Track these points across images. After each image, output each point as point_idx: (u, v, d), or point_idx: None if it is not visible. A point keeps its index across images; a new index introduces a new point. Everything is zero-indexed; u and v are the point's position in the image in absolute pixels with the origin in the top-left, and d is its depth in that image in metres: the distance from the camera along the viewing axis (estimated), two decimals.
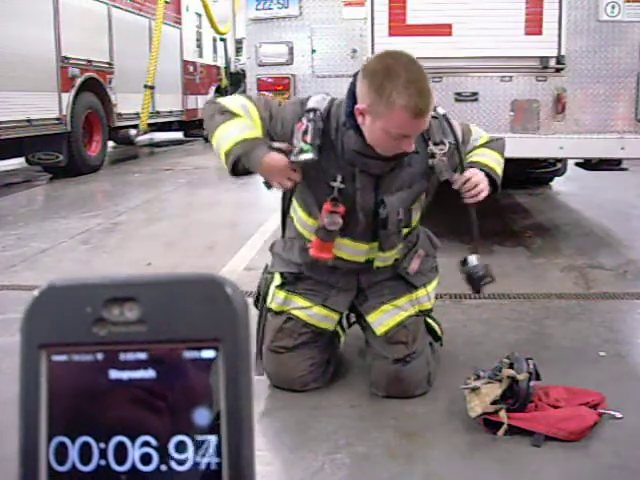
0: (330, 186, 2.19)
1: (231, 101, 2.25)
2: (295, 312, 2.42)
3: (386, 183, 2.22)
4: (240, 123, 2.14)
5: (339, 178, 2.18)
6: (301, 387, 2.41)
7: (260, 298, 2.49)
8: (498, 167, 2.34)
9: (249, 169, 2.13)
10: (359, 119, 2.09)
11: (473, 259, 2.37)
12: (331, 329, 2.44)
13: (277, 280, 2.45)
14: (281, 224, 2.53)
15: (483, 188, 2.21)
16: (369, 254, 2.35)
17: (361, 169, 2.19)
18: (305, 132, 2.10)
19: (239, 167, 2.12)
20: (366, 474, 1.95)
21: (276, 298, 2.43)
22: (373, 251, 2.34)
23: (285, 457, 2.08)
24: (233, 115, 2.15)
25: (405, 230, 2.34)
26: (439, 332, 2.56)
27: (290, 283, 2.42)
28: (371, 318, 2.40)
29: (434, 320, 2.54)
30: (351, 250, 2.33)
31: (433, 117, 2.16)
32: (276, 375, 2.44)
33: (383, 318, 2.39)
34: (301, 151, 2.09)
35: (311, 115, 2.14)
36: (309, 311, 2.40)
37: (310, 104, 2.17)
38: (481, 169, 2.25)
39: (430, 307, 2.48)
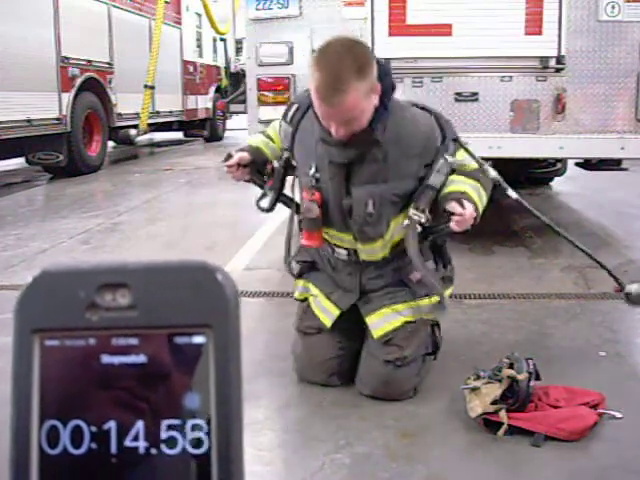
0: (308, 175, 2.26)
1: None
2: (310, 299, 2.51)
3: (356, 174, 2.22)
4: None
5: (313, 167, 2.24)
6: (326, 376, 2.43)
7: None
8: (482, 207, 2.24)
9: None
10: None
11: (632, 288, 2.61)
12: (328, 326, 2.43)
13: (296, 270, 2.56)
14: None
15: (469, 226, 2.12)
16: (354, 245, 2.36)
17: (329, 159, 2.21)
18: (270, 174, 2.33)
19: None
20: (366, 474, 1.95)
21: (297, 288, 2.56)
22: (355, 243, 2.35)
23: (285, 457, 2.08)
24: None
25: (387, 234, 2.28)
26: (439, 342, 2.47)
27: (306, 272, 2.54)
28: (370, 320, 2.39)
29: (439, 331, 2.47)
30: (338, 239, 2.37)
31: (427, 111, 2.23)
32: (304, 357, 2.47)
33: (380, 322, 2.38)
34: (263, 196, 2.41)
35: (283, 125, 2.34)
36: (317, 300, 2.47)
37: (293, 99, 2.36)
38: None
39: (432, 316, 2.41)
